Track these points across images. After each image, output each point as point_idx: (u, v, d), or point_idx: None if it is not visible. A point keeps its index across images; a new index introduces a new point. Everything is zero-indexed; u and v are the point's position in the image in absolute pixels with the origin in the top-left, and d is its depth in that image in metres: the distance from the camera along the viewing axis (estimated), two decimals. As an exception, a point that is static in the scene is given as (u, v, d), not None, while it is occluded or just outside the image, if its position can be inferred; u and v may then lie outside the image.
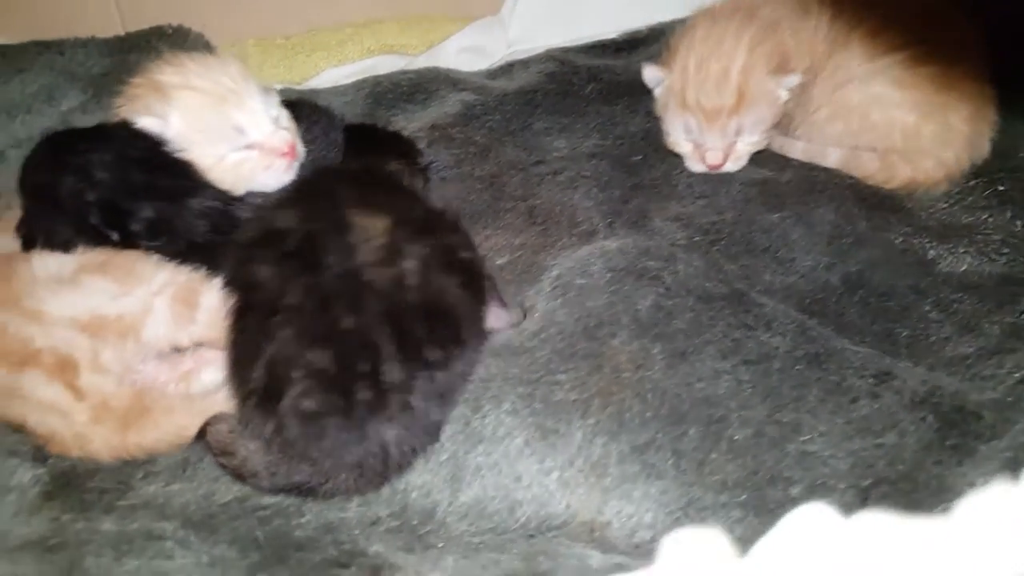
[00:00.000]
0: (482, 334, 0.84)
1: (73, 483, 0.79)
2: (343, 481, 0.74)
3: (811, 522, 0.32)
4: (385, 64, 1.44)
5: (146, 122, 0.89)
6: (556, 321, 0.86)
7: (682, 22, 1.14)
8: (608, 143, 1.17)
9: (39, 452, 0.81)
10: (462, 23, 1.50)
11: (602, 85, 1.27)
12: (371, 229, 0.80)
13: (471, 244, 0.89)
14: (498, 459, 0.78)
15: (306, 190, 0.90)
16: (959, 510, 0.31)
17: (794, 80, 1.04)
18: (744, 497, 0.71)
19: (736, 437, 0.74)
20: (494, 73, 1.39)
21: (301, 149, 0.95)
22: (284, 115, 0.95)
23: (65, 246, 0.85)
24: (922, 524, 0.32)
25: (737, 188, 1.06)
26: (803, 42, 1.08)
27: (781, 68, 1.04)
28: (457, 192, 1.11)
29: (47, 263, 0.84)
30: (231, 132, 0.91)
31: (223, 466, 0.79)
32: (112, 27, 1.39)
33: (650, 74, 1.12)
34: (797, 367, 0.79)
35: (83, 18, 1.38)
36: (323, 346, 0.74)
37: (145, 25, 1.35)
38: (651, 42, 1.38)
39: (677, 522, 0.72)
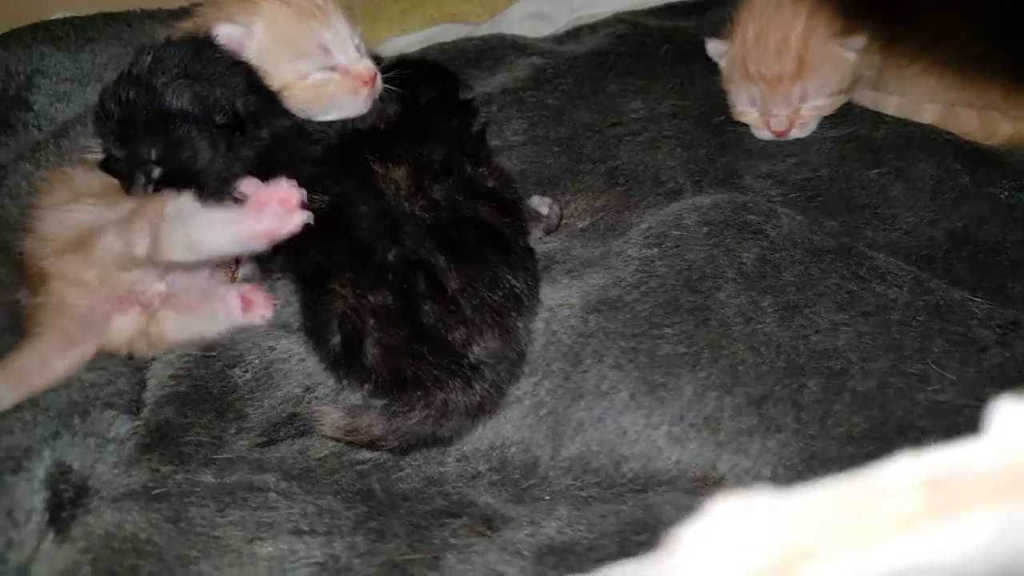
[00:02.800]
0: (531, 249, 0.82)
1: (169, 436, 0.78)
2: (462, 404, 0.72)
3: None
4: (448, 33, 1.42)
5: (227, 30, 0.84)
6: (655, 274, 0.83)
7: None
8: (688, 103, 1.14)
9: (134, 404, 0.81)
10: (525, -10, 1.47)
11: (677, 46, 1.23)
12: (393, 176, 0.79)
13: (500, 173, 0.86)
14: (601, 414, 0.76)
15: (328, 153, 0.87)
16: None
17: (859, 42, 1.00)
18: (872, 449, 0.68)
19: (860, 389, 0.71)
20: (561, 38, 1.36)
21: (380, 83, 0.91)
22: (364, 47, 0.92)
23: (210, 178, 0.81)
24: None
25: (829, 145, 1.02)
26: None
27: (845, 31, 1.00)
28: (532, 156, 1.09)
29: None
30: (316, 50, 0.87)
31: (351, 443, 0.76)
32: (177, -2, 1.39)
33: (714, 48, 1.09)
34: (918, 318, 0.76)
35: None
36: (377, 287, 0.72)
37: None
38: (721, 4, 1.34)
39: (799, 476, 0.69)
